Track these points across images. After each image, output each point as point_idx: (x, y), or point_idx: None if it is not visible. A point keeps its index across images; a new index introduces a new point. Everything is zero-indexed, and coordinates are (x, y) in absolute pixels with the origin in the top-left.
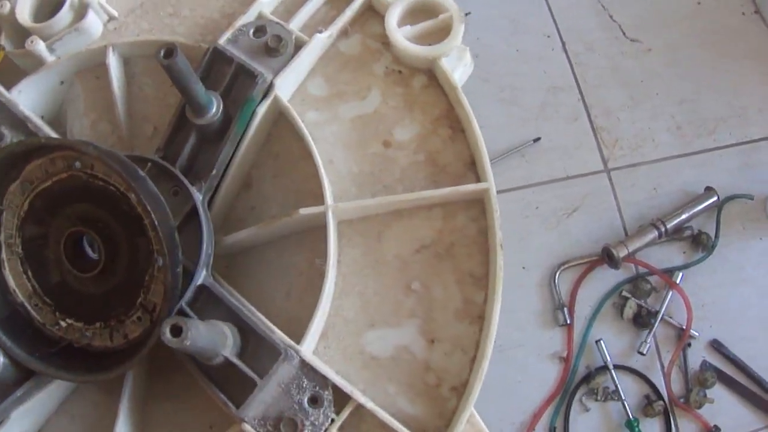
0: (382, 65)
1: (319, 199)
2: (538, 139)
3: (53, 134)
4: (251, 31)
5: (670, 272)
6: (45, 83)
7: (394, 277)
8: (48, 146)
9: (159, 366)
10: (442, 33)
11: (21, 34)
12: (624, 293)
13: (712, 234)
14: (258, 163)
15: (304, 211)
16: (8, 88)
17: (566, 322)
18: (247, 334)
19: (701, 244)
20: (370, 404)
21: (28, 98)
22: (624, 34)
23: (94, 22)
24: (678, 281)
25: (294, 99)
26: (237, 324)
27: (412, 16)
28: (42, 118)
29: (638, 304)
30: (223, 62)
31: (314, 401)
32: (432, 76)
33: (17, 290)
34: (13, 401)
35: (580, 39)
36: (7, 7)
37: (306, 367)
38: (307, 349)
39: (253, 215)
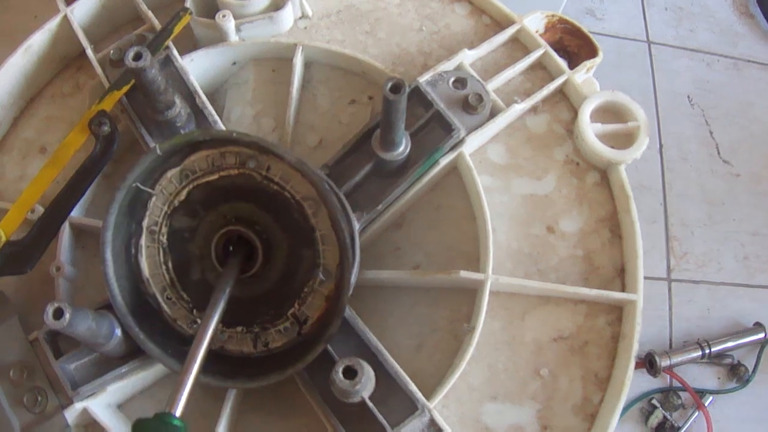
0: (563, 152)
1: (473, 262)
2: None
3: (214, 113)
4: (451, 80)
5: (701, 393)
6: (218, 59)
7: (527, 359)
8: (236, 141)
9: None
10: (624, 139)
11: (207, 3)
12: (654, 401)
13: (751, 368)
14: (415, 207)
15: (465, 273)
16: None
17: None
18: (382, 376)
19: (737, 375)
20: None
21: (196, 68)
22: (719, 153)
23: (288, 15)
24: (707, 404)
25: (472, 158)
26: (373, 363)
27: (599, 113)
28: None
29: (664, 416)
30: (420, 102)
31: None
32: (604, 176)
33: (151, 280)
34: (116, 375)
35: (677, 146)
36: None
37: (434, 426)
38: (433, 406)
39: (395, 255)
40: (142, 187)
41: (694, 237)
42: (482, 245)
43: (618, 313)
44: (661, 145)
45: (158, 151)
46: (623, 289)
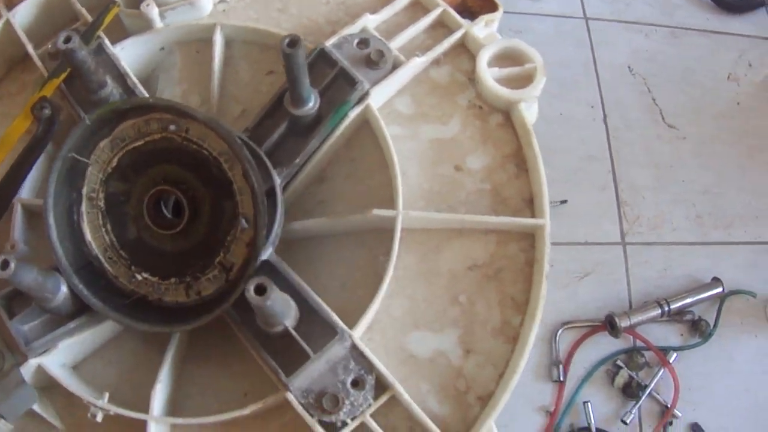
0: (465, 98)
1: (389, 205)
2: (565, 201)
3: (145, 93)
4: (356, 42)
5: (665, 351)
6: (147, 46)
7: (444, 288)
8: (154, 107)
9: (198, 328)
10: (524, 80)
11: None
12: (618, 362)
13: (711, 322)
14: (334, 161)
15: (377, 211)
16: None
17: (560, 378)
18: (306, 310)
19: (699, 330)
20: (405, 397)
21: (127, 56)
22: (663, 118)
23: (206, 1)
24: (671, 361)
25: (381, 111)
26: (297, 300)
27: (499, 59)
28: None
29: (630, 375)
30: (326, 63)
31: (356, 384)
32: (507, 117)
33: (93, 243)
34: (65, 332)
35: (621, 115)
36: None
37: (355, 351)
38: (357, 335)
39: (320, 208)
40: (77, 157)
41: (645, 201)
42: (393, 186)
43: (530, 240)
44: (605, 115)
45: (87, 121)
46: (533, 217)
